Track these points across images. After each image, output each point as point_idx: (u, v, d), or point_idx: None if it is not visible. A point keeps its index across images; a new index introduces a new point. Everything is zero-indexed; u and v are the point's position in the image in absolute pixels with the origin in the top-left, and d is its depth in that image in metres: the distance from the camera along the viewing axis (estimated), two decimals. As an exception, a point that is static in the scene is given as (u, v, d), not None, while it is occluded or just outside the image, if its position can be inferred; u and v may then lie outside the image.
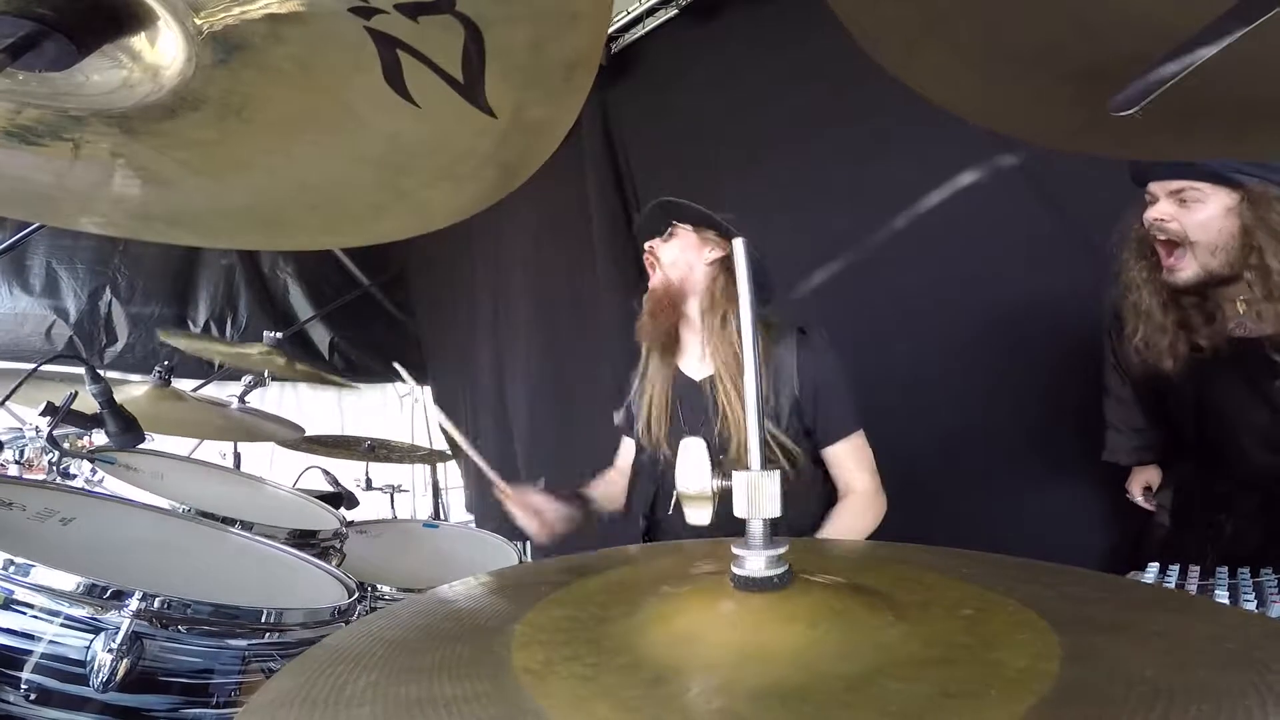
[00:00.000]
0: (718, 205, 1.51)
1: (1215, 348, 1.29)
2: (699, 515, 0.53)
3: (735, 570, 0.45)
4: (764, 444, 0.47)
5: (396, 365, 2.38)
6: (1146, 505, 1.62)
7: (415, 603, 0.53)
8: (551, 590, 0.53)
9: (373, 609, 1.23)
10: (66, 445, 1.49)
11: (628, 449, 1.68)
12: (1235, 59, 0.40)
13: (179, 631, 0.85)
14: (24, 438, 1.83)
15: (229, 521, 1.26)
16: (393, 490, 2.74)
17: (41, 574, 0.80)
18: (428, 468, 2.86)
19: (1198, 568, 0.96)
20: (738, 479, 0.46)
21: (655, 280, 1.52)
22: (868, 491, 1.41)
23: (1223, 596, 0.87)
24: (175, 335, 2.31)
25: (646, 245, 1.55)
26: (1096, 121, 0.54)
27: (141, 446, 1.38)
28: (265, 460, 2.82)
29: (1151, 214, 1.28)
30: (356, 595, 1.08)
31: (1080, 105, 0.54)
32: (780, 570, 0.45)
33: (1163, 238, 1.27)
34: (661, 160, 2.65)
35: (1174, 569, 0.97)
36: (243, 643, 0.90)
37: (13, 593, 0.80)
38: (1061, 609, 0.43)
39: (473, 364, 3.59)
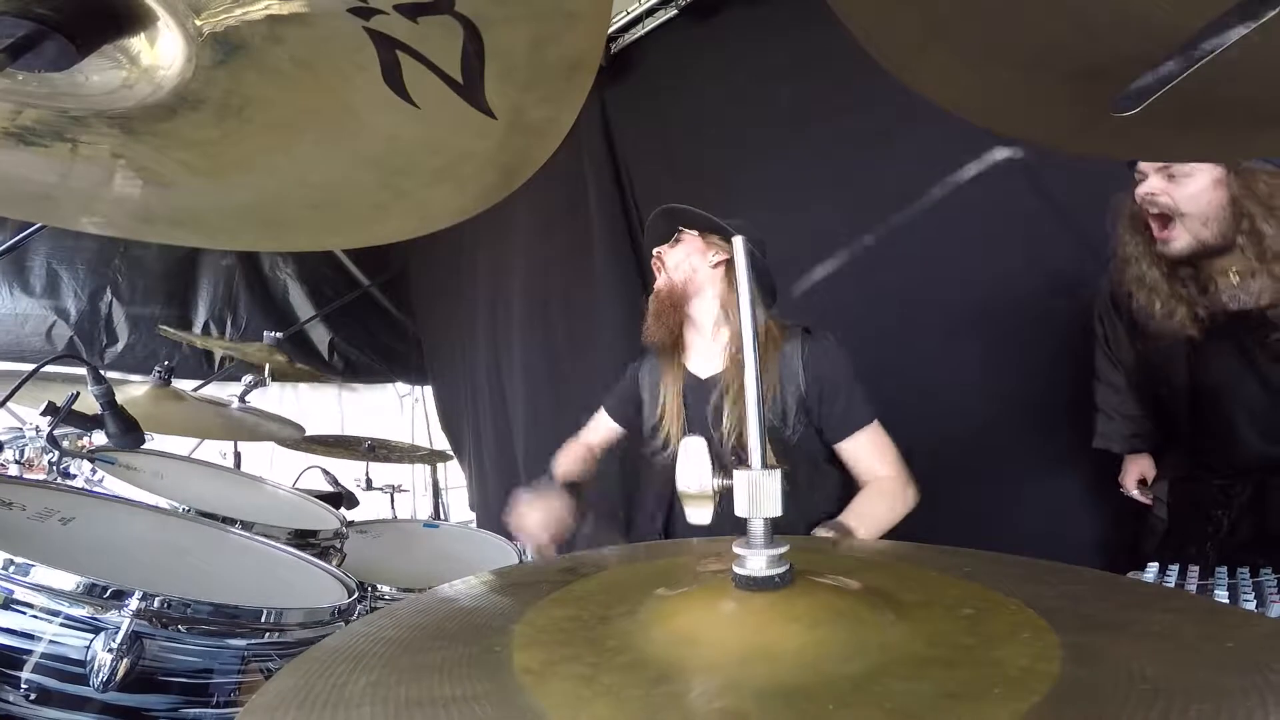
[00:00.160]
0: (717, 204, 1.52)
1: (1211, 317, 1.32)
2: (700, 515, 0.53)
3: (737, 570, 0.45)
4: (764, 443, 0.47)
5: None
6: (1143, 499, 1.63)
7: (415, 602, 0.53)
8: (552, 590, 0.53)
9: (373, 609, 1.23)
10: (66, 445, 1.49)
11: (603, 428, 1.70)
12: (1235, 59, 0.40)
13: (179, 631, 0.85)
14: (24, 438, 1.84)
15: (229, 521, 1.26)
16: (393, 490, 2.74)
17: (41, 573, 0.80)
18: (428, 468, 2.87)
19: (1197, 568, 0.96)
20: (739, 478, 0.46)
21: (660, 282, 1.53)
22: (889, 478, 1.39)
23: (1222, 596, 0.87)
24: (175, 331, 2.31)
25: (654, 252, 1.56)
26: (1098, 122, 0.54)
27: (142, 446, 1.38)
28: (265, 460, 2.82)
29: (1142, 190, 1.31)
30: (356, 595, 1.08)
31: (1081, 105, 0.54)
32: (782, 570, 0.45)
33: (1154, 211, 1.30)
34: (661, 160, 2.65)
35: (1174, 569, 0.97)
36: (242, 642, 0.90)
37: (13, 592, 0.79)
38: (1062, 609, 0.43)
39: (473, 364, 3.59)
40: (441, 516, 2.82)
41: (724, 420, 1.40)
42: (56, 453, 1.43)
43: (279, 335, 2.20)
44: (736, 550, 0.46)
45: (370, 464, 2.65)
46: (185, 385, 2.12)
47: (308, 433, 2.29)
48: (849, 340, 1.47)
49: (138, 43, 0.47)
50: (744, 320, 0.49)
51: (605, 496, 2.51)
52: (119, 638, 0.79)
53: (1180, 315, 1.34)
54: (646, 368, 1.62)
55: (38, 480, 1.48)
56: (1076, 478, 1.77)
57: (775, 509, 0.46)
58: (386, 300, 3.97)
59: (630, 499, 2.32)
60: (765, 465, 0.46)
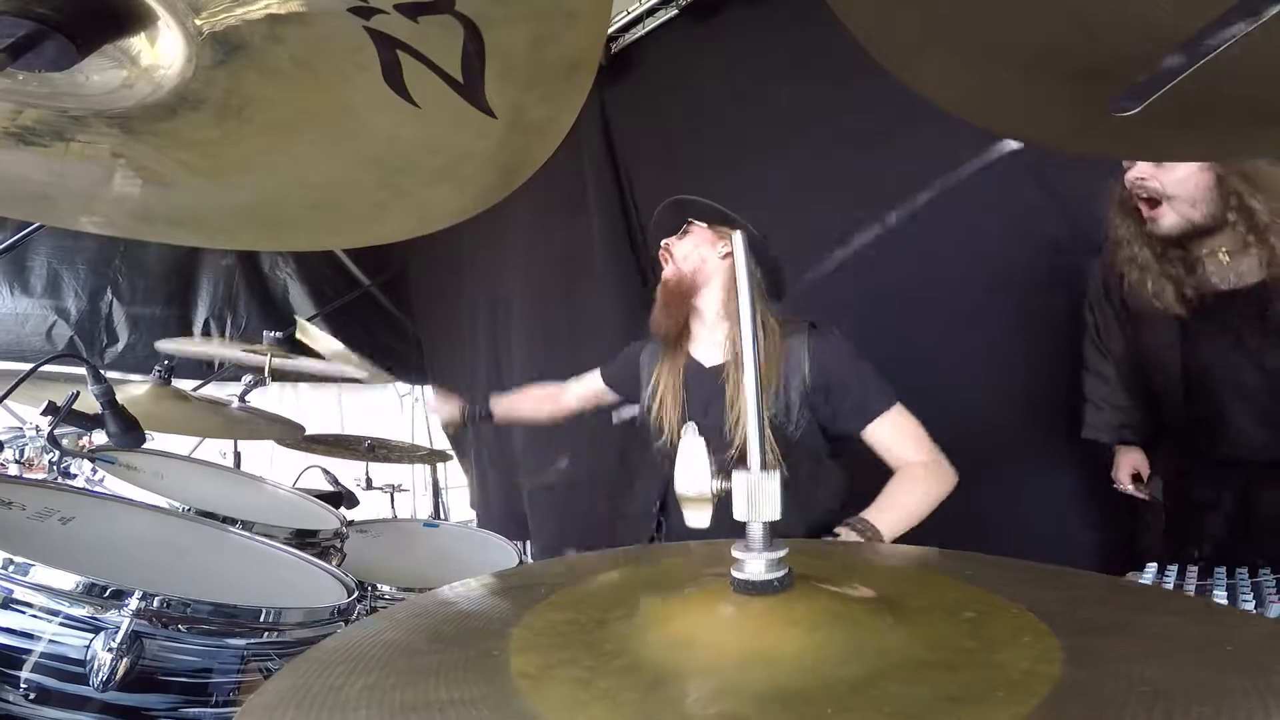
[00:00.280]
0: (717, 203, 1.52)
1: (1200, 297, 1.36)
2: (698, 518, 0.52)
3: (735, 574, 0.45)
4: (764, 444, 0.47)
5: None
6: (1139, 494, 1.63)
7: (414, 604, 0.53)
8: (550, 593, 0.53)
9: (373, 609, 1.23)
10: (66, 444, 1.49)
11: (590, 381, 1.78)
12: (1235, 59, 0.40)
13: (178, 631, 0.85)
14: (24, 437, 1.84)
15: (229, 521, 1.26)
16: (393, 490, 2.74)
17: (41, 573, 0.80)
18: (428, 467, 2.86)
19: (1196, 568, 0.96)
20: (737, 480, 0.46)
21: (668, 272, 1.53)
22: (919, 463, 1.34)
23: (1221, 597, 0.87)
24: (173, 341, 2.31)
25: (662, 243, 1.56)
26: (1098, 122, 0.54)
27: (142, 446, 1.38)
28: (265, 459, 2.81)
29: (1131, 174, 1.36)
30: (356, 595, 1.08)
31: (1081, 105, 0.54)
32: (781, 573, 0.45)
33: (1144, 195, 1.35)
34: (661, 159, 2.65)
35: (1173, 569, 0.97)
36: (242, 642, 0.90)
37: (12, 592, 0.80)
38: (1062, 611, 0.43)
39: (472, 363, 3.59)
40: (441, 516, 2.82)
41: (730, 410, 1.39)
42: (57, 452, 1.43)
43: (279, 335, 2.19)
44: (735, 554, 0.46)
45: (370, 464, 2.65)
46: (185, 385, 2.12)
47: (308, 432, 2.29)
48: (850, 338, 1.47)
49: (138, 42, 0.47)
50: (743, 313, 0.48)
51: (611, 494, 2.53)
52: (119, 637, 0.80)
53: (1168, 294, 1.38)
54: (649, 351, 1.62)
55: (38, 480, 1.49)
56: (1079, 475, 1.77)
57: (774, 512, 0.45)
58: (386, 300, 3.97)
59: (624, 494, 2.32)
60: (764, 467, 0.46)
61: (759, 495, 0.45)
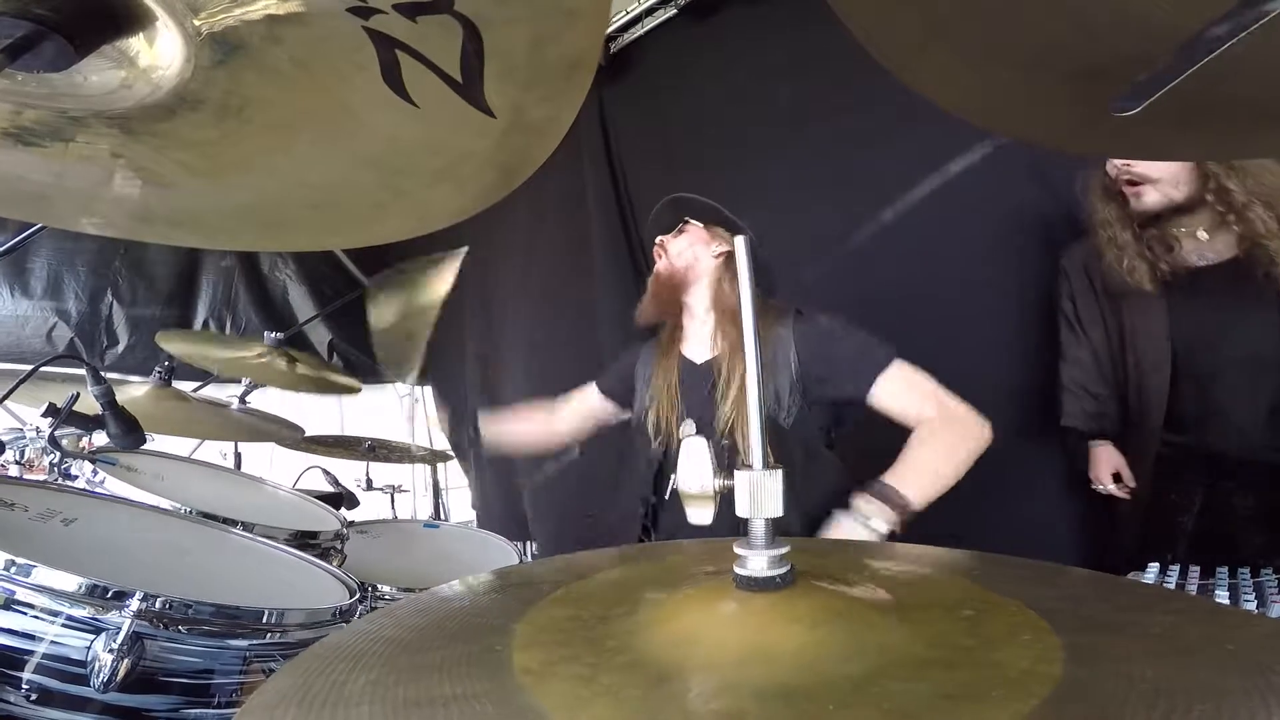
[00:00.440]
0: (718, 202, 1.52)
1: (1175, 274, 1.43)
2: (700, 515, 0.53)
3: (737, 570, 0.45)
4: (765, 444, 0.47)
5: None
6: (1118, 493, 1.64)
7: (415, 602, 0.53)
8: (552, 590, 0.53)
9: (373, 609, 1.23)
10: (67, 445, 1.49)
11: (586, 396, 1.74)
12: (1235, 59, 0.40)
13: (180, 632, 0.85)
14: (25, 438, 1.84)
15: (230, 522, 1.26)
16: (393, 490, 2.74)
17: (43, 574, 0.80)
18: (428, 468, 2.86)
19: (1198, 568, 0.96)
20: (739, 478, 0.46)
21: (660, 266, 1.54)
22: (932, 417, 1.25)
23: (1223, 597, 0.87)
24: (173, 338, 2.31)
25: (657, 239, 1.56)
26: (1098, 121, 0.54)
27: (142, 447, 1.38)
28: (265, 460, 2.81)
29: (1118, 160, 1.42)
30: (357, 595, 1.08)
31: (1081, 105, 0.54)
32: (783, 570, 0.45)
33: (1127, 178, 1.42)
34: (660, 159, 2.65)
35: (1174, 569, 0.97)
36: (244, 643, 0.90)
37: (14, 593, 0.80)
38: (1063, 609, 0.43)
39: (472, 363, 3.59)
40: (442, 516, 2.82)
41: (721, 403, 1.39)
42: (57, 453, 1.43)
43: (279, 336, 2.19)
44: (737, 550, 0.46)
45: (370, 464, 2.65)
46: (185, 386, 2.12)
47: (308, 433, 2.29)
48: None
49: (136, 43, 0.47)
50: (745, 317, 0.49)
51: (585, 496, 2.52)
52: (120, 638, 0.80)
53: (1143, 272, 1.44)
54: (643, 357, 1.62)
55: (39, 481, 1.49)
56: (1081, 475, 1.77)
57: (776, 509, 0.45)
58: (387, 300, 3.96)
59: (609, 497, 2.33)
60: (766, 465, 0.46)
61: (761, 492, 0.45)
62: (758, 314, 0.48)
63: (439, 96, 0.50)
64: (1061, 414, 1.69)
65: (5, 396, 1.27)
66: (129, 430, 1.27)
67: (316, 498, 1.72)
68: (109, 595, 0.82)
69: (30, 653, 0.79)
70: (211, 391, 2.46)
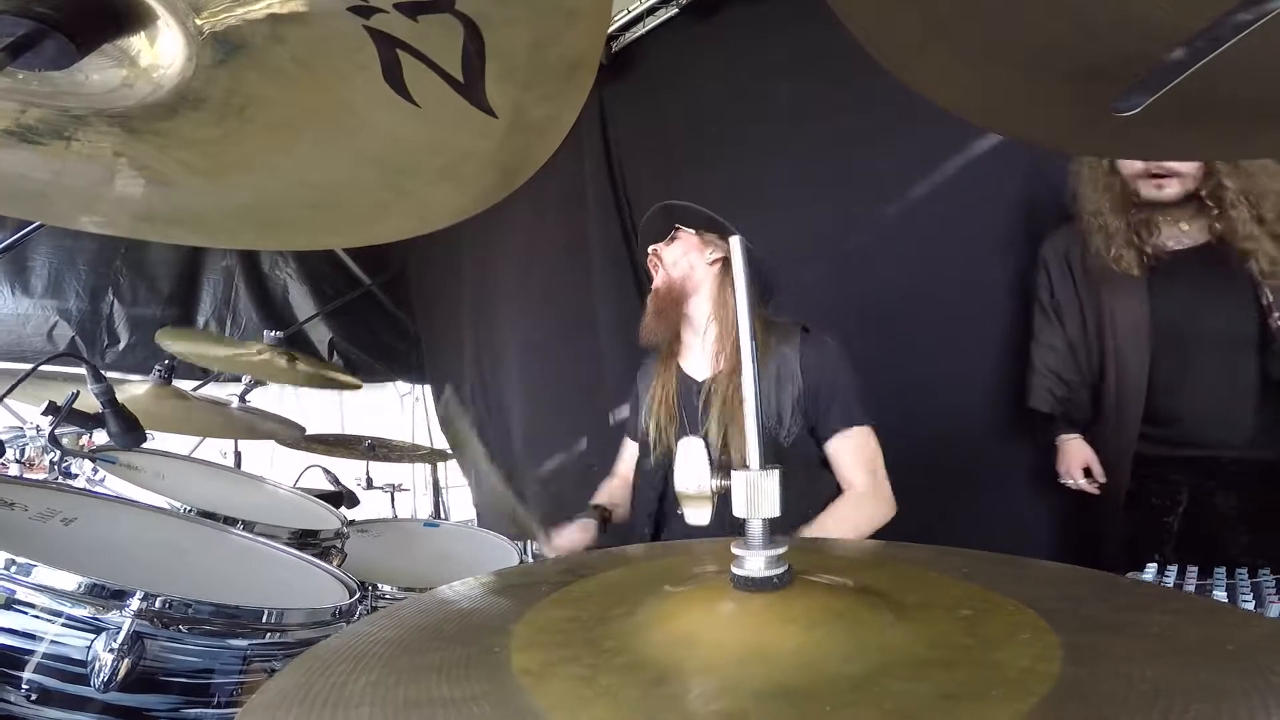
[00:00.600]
0: (716, 203, 1.52)
1: (1156, 259, 1.50)
2: (698, 516, 0.53)
3: (735, 570, 0.45)
4: (763, 444, 0.47)
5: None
6: (1089, 488, 1.65)
7: (416, 603, 0.53)
8: (551, 590, 0.53)
9: (374, 609, 1.23)
10: (67, 444, 1.49)
11: (630, 454, 1.68)
12: (1235, 59, 0.40)
13: (180, 631, 0.85)
14: (25, 437, 1.84)
15: (230, 521, 1.26)
16: (393, 489, 2.74)
17: (43, 574, 0.80)
18: (428, 467, 2.86)
19: (1195, 568, 0.97)
20: (737, 479, 0.46)
21: (659, 280, 1.52)
22: (863, 490, 1.38)
23: (1221, 597, 0.87)
24: (173, 336, 2.31)
25: (650, 249, 1.55)
26: (1098, 121, 0.54)
27: (142, 446, 1.38)
28: (266, 459, 2.82)
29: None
30: (358, 595, 1.08)
31: (1081, 105, 0.54)
32: (780, 570, 0.45)
33: (1156, 171, 1.45)
34: (661, 158, 2.65)
35: (1173, 569, 0.97)
36: (244, 643, 0.90)
37: (14, 593, 0.80)
38: (1062, 609, 0.43)
39: (472, 363, 3.60)
40: (442, 516, 2.82)
41: (711, 423, 1.40)
42: (58, 452, 1.43)
43: (280, 335, 2.19)
44: (735, 551, 0.46)
45: (370, 463, 2.65)
46: (186, 384, 2.12)
47: (308, 432, 2.29)
48: (846, 338, 1.47)
49: (138, 42, 0.47)
50: (742, 320, 0.49)
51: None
52: (120, 638, 0.79)
53: (1129, 259, 1.50)
54: (642, 373, 1.62)
55: (39, 480, 1.49)
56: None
57: (774, 509, 0.46)
58: (387, 299, 3.97)
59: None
60: (763, 465, 0.46)
61: (758, 493, 0.45)
62: (760, 328, 0.48)
63: (440, 96, 0.50)
64: (1029, 397, 1.72)
65: (5, 395, 1.27)
66: (129, 428, 1.27)
67: (317, 496, 1.72)
68: (109, 595, 0.82)
69: (30, 652, 0.79)
70: (212, 390, 2.46)
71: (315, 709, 0.37)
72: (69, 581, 0.81)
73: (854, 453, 1.40)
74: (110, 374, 1.34)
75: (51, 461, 1.54)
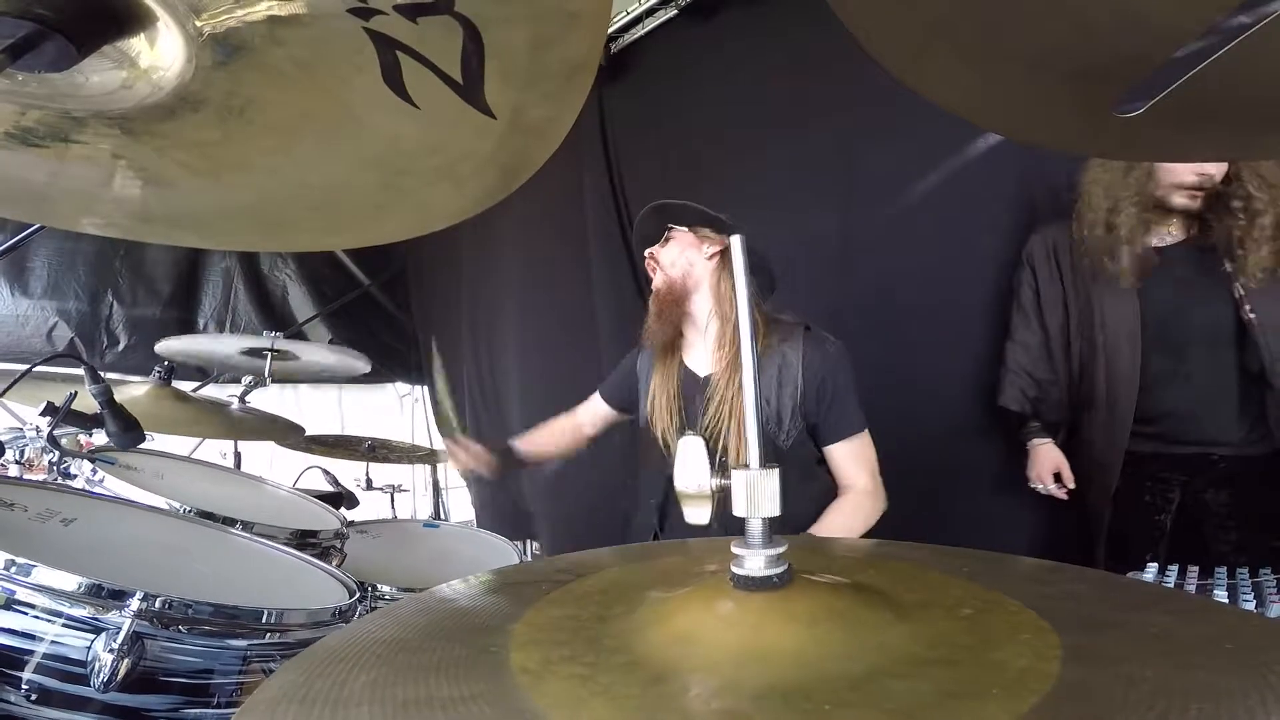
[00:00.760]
0: (715, 203, 1.52)
1: (1145, 255, 1.52)
2: (698, 514, 0.53)
3: (735, 569, 0.45)
4: (763, 443, 0.47)
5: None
6: (1057, 494, 1.66)
7: (414, 601, 0.53)
8: (551, 589, 0.53)
9: (373, 609, 1.23)
10: (66, 445, 1.49)
11: (595, 405, 1.76)
12: (1238, 60, 0.40)
13: (180, 632, 0.85)
14: (24, 438, 1.84)
15: (229, 522, 1.26)
16: (393, 490, 2.74)
17: (43, 574, 0.80)
18: (428, 468, 2.86)
19: (1196, 568, 0.97)
20: (737, 478, 0.46)
21: (658, 281, 1.52)
22: (864, 490, 1.41)
23: (1221, 597, 0.87)
24: (172, 344, 2.31)
25: (646, 253, 1.56)
26: (1100, 122, 0.54)
27: (142, 446, 1.38)
28: (265, 460, 2.82)
29: (1195, 168, 1.47)
30: (357, 595, 1.08)
31: (1084, 106, 0.54)
32: (780, 569, 0.45)
33: (1200, 186, 1.46)
34: (660, 159, 2.66)
35: (1173, 569, 0.97)
36: (243, 643, 0.90)
37: (14, 593, 0.80)
38: (1062, 608, 0.43)
39: (471, 362, 3.60)
40: (441, 516, 2.82)
41: (715, 421, 1.40)
42: (57, 453, 1.43)
43: (279, 335, 2.20)
44: (734, 550, 0.46)
45: (370, 464, 2.65)
46: (185, 385, 2.12)
47: (308, 433, 2.29)
48: (845, 338, 1.47)
49: (137, 43, 0.47)
50: (742, 318, 0.49)
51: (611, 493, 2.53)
52: (120, 638, 0.79)
53: (1130, 257, 1.52)
54: (644, 358, 1.62)
55: (39, 481, 1.49)
56: (1079, 475, 1.77)
57: (773, 508, 0.46)
58: (386, 300, 3.97)
59: (631, 495, 2.33)
60: (763, 465, 0.46)
61: (758, 492, 0.45)
62: (762, 325, 0.48)
63: (439, 97, 0.51)
64: (999, 395, 1.73)
65: (1, 394, 1.27)
66: (127, 428, 1.27)
67: (316, 497, 1.72)
68: (109, 595, 0.82)
69: (30, 652, 0.79)
70: (211, 391, 2.46)
71: (314, 708, 0.37)
72: (69, 582, 0.81)
73: (856, 457, 1.42)
74: (110, 375, 1.34)
75: (50, 462, 1.54)
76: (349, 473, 2.53)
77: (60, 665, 0.79)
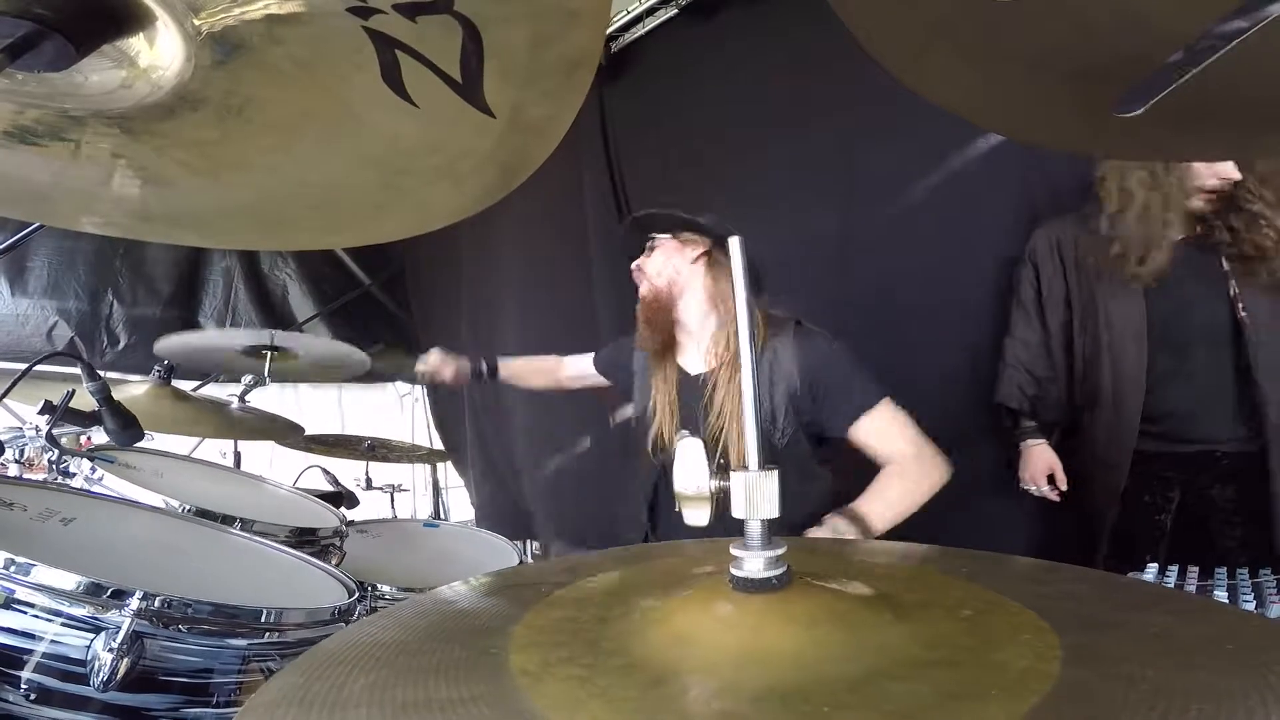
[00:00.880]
0: (714, 203, 1.52)
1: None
2: (697, 516, 0.53)
3: (734, 571, 0.45)
4: (762, 444, 0.47)
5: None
6: (1050, 495, 1.66)
7: (415, 603, 0.53)
8: (550, 591, 0.53)
9: (373, 609, 1.23)
10: (65, 443, 1.49)
11: (583, 362, 1.82)
12: (1238, 61, 0.40)
13: (179, 631, 0.85)
14: (24, 437, 1.84)
15: (229, 521, 1.26)
16: (393, 490, 2.74)
17: (42, 573, 0.80)
18: (428, 467, 2.87)
19: (1196, 568, 0.97)
20: (735, 479, 0.46)
21: (644, 290, 1.53)
22: (908, 456, 1.34)
23: (1222, 597, 0.87)
24: (172, 343, 2.31)
25: (633, 266, 1.57)
26: (1100, 122, 0.54)
27: (141, 445, 1.38)
28: (265, 459, 2.82)
29: (1227, 173, 1.46)
30: (356, 595, 1.08)
31: (1084, 106, 0.54)
32: (779, 571, 0.45)
33: (1219, 190, 1.46)
34: (660, 159, 2.66)
35: (1173, 569, 0.97)
36: (243, 642, 0.90)
37: (14, 592, 0.79)
38: (1062, 609, 0.43)
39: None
40: (441, 516, 2.82)
41: (714, 419, 1.40)
42: (56, 451, 1.43)
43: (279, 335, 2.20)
44: (733, 551, 0.46)
45: (370, 463, 2.65)
46: (185, 384, 2.12)
47: (308, 432, 2.29)
48: (846, 337, 1.47)
49: (136, 43, 0.47)
50: (741, 320, 0.49)
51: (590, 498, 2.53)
52: (120, 637, 0.79)
53: (1160, 260, 1.50)
54: (640, 356, 1.62)
55: (38, 480, 1.49)
56: (1078, 473, 1.77)
57: (773, 510, 0.45)
58: (387, 298, 3.97)
59: (614, 496, 2.34)
60: (762, 466, 0.46)
61: (757, 493, 0.45)
62: (760, 324, 0.48)
63: (439, 96, 0.50)
64: (997, 391, 1.72)
65: (1, 396, 1.27)
66: (126, 425, 1.27)
67: (316, 497, 1.71)
68: (109, 594, 0.82)
69: (30, 652, 0.79)
70: (211, 390, 2.46)
71: (314, 710, 0.37)
72: (68, 581, 0.81)
73: (884, 428, 1.37)
74: (109, 374, 1.34)
75: (50, 461, 1.54)
76: (349, 472, 2.53)
77: (60, 664, 0.79)
